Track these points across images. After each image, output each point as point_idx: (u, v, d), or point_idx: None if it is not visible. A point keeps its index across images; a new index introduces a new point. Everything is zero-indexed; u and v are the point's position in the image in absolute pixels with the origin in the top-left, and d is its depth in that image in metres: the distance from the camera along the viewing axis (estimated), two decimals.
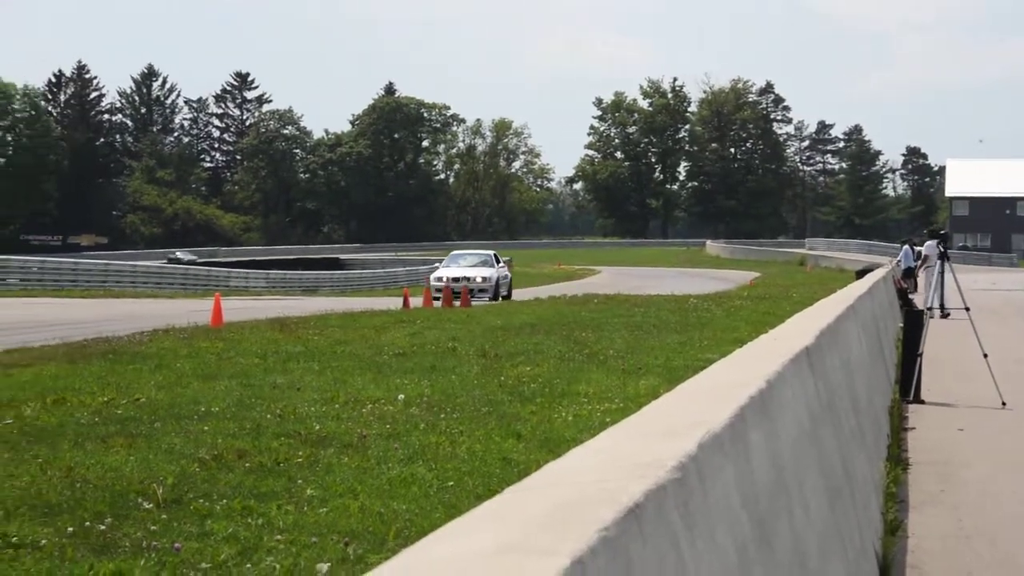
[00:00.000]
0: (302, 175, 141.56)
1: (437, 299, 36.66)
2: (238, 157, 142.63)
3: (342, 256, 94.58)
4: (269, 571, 5.91)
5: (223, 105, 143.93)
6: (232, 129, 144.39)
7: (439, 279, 40.44)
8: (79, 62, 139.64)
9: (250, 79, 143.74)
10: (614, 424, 3.05)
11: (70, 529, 6.60)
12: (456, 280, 39.75)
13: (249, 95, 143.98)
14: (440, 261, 47.46)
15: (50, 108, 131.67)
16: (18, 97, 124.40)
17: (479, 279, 40.76)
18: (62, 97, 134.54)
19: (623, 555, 1.92)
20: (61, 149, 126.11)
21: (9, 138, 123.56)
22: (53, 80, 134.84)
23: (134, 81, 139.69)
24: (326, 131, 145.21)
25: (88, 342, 17.22)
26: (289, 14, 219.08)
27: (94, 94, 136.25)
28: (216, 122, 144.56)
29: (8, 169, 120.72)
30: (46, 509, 7.01)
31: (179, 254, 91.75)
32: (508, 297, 42.56)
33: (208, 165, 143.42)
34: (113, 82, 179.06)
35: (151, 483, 7.69)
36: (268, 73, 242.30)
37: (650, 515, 2.09)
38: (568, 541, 1.80)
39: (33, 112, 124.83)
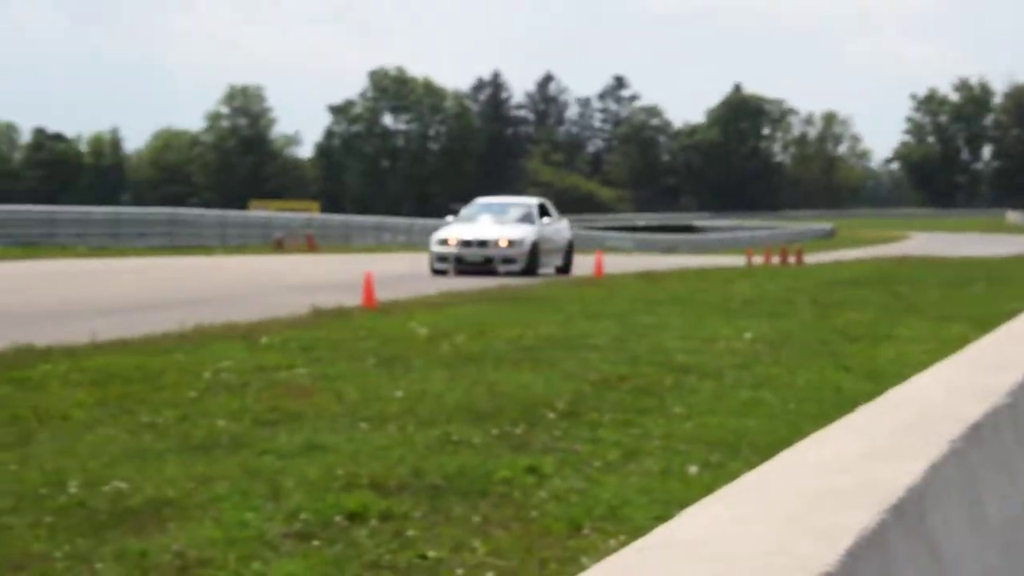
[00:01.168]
0: (664, 157, 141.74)
1: (440, 271, 22.12)
2: (614, 143, 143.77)
3: (695, 222, 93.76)
4: (648, 470, 5.98)
5: (604, 102, 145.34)
6: (610, 121, 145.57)
7: (443, 242, 22.75)
8: (495, 70, 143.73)
9: (625, 81, 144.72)
10: (932, 362, 2.93)
11: (494, 432, 6.84)
12: (468, 244, 22.55)
13: (624, 94, 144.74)
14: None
15: (472, 106, 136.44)
16: (449, 98, 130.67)
17: (503, 242, 22.55)
18: (481, 98, 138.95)
19: (968, 464, 1.85)
20: (480, 138, 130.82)
21: (443, 130, 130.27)
22: (475, 85, 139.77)
23: (536, 84, 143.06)
24: (685, 122, 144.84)
25: (500, 289, 17.77)
26: (658, 23, 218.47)
27: (505, 95, 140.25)
28: (598, 115, 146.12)
29: (441, 154, 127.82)
30: (476, 415, 7.30)
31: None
32: (566, 270, 24.27)
33: (591, 149, 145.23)
34: (520, 85, 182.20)
35: (553, 398, 7.89)
36: (640, 74, 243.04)
37: (988, 432, 2.01)
38: (923, 448, 1.75)
39: (460, 110, 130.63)
